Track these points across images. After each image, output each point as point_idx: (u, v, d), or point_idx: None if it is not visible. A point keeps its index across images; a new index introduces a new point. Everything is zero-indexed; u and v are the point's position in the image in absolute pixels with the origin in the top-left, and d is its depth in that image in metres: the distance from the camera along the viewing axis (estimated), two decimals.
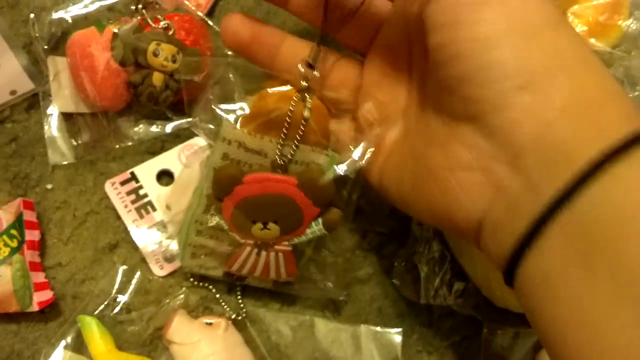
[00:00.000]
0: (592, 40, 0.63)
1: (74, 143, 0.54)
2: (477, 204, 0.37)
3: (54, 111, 0.55)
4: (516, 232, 0.33)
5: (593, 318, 0.30)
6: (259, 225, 0.45)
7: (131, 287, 0.52)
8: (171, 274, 0.53)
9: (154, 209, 0.53)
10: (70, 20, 0.57)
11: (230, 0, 0.62)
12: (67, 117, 0.55)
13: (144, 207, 0.53)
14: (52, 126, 0.55)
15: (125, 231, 0.53)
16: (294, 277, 0.49)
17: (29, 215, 0.51)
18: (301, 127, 0.42)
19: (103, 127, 0.54)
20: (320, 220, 0.45)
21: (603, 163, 0.31)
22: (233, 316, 0.51)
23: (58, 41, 0.56)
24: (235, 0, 0.62)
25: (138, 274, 0.52)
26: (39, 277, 0.50)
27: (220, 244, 0.47)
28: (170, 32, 0.53)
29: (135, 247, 0.53)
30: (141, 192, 0.54)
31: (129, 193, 0.54)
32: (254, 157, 0.43)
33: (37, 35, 0.55)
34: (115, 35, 0.52)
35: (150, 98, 0.53)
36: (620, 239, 0.30)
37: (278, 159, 0.42)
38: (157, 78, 0.52)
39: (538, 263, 0.33)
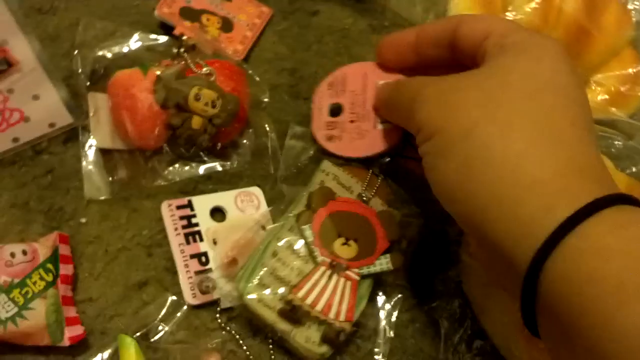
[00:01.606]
0: (613, 109, 0.65)
1: (110, 179, 0.56)
2: None
3: (92, 146, 0.56)
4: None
5: None
6: (342, 239, 0.53)
7: (175, 319, 0.53)
8: (200, 308, 0.54)
9: (201, 239, 0.55)
10: (110, 57, 0.58)
11: (265, 48, 0.64)
12: (104, 153, 0.56)
13: (192, 235, 0.55)
14: (90, 161, 0.56)
15: (156, 269, 0.54)
16: (349, 326, 0.51)
17: (64, 250, 0.52)
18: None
19: (139, 165, 0.56)
20: (388, 255, 0.53)
21: (577, 222, 0.35)
22: None
23: (99, 77, 0.58)
24: (270, 48, 0.64)
25: (184, 308, 0.53)
26: (71, 311, 0.51)
27: (290, 273, 0.51)
28: (212, 78, 0.55)
29: (164, 287, 0.54)
30: (193, 220, 0.55)
31: (182, 218, 0.55)
32: (342, 190, 0.55)
33: (79, 70, 0.56)
34: (158, 78, 0.53)
35: (189, 141, 0.54)
36: (584, 325, 0.33)
37: (362, 194, 0.55)
38: (197, 122, 0.54)
39: (542, 335, 0.38)
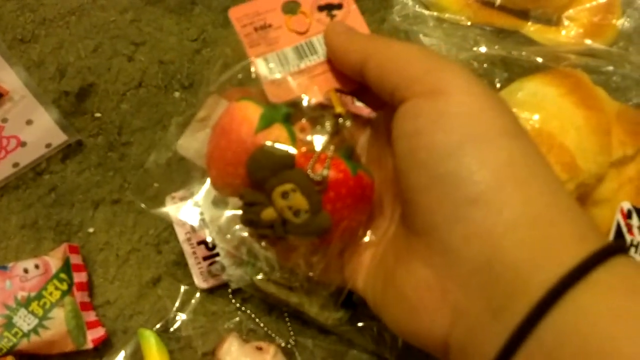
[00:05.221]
0: (589, 42, 0.65)
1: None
2: (439, 325, 0.35)
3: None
4: None
5: None
6: None
7: (190, 306, 0.55)
8: (214, 293, 0.56)
9: (207, 227, 0.56)
10: None
11: None
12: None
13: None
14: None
15: (167, 265, 0.56)
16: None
17: (75, 259, 0.55)
18: None
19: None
20: None
21: (563, 291, 0.30)
22: (283, 344, 0.54)
23: None
24: None
25: (197, 295, 0.55)
26: (90, 316, 0.53)
27: None
28: (318, 188, 0.40)
29: (177, 279, 0.56)
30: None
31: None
32: None
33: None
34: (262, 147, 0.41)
35: (247, 222, 0.43)
36: None
37: None
38: (267, 214, 0.41)
39: None
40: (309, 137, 0.42)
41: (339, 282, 0.45)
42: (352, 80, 0.43)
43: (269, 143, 0.40)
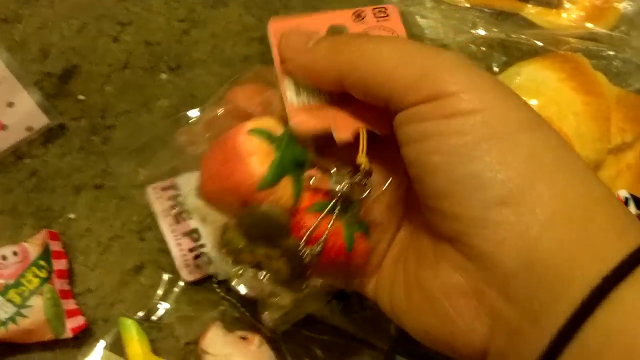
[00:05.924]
0: (590, 25, 0.63)
1: None
2: (477, 332, 0.33)
3: None
4: None
5: None
6: None
7: (173, 295, 0.54)
8: (198, 283, 0.54)
9: (190, 217, 0.54)
10: None
11: (232, 20, 0.63)
12: None
13: (180, 214, 0.54)
14: None
15: (150, 252, 0.55)
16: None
17: (55, 246, 0.53)
18: None
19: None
20: None
21: (608, 289, 0.28)
22: (269, 334, 0.52)
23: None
24: (237, 20, 0.63)
25: (181, 283, 0.54)
26: (70, 304, 0.52)
27: None
28: (308, 251, 0.36)
29: (161, 267, 0.54)
30: (180, 199, 0.54)
31: (168, 199, 0.54)
32: None
33: None
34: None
35: (226, 252, 0.39)
36: None
37: None
38: (246, 259, 0.38)
39: None
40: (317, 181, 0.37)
41: (343, 287, 0.43)
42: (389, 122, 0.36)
43: (267, 206, 0.36)
